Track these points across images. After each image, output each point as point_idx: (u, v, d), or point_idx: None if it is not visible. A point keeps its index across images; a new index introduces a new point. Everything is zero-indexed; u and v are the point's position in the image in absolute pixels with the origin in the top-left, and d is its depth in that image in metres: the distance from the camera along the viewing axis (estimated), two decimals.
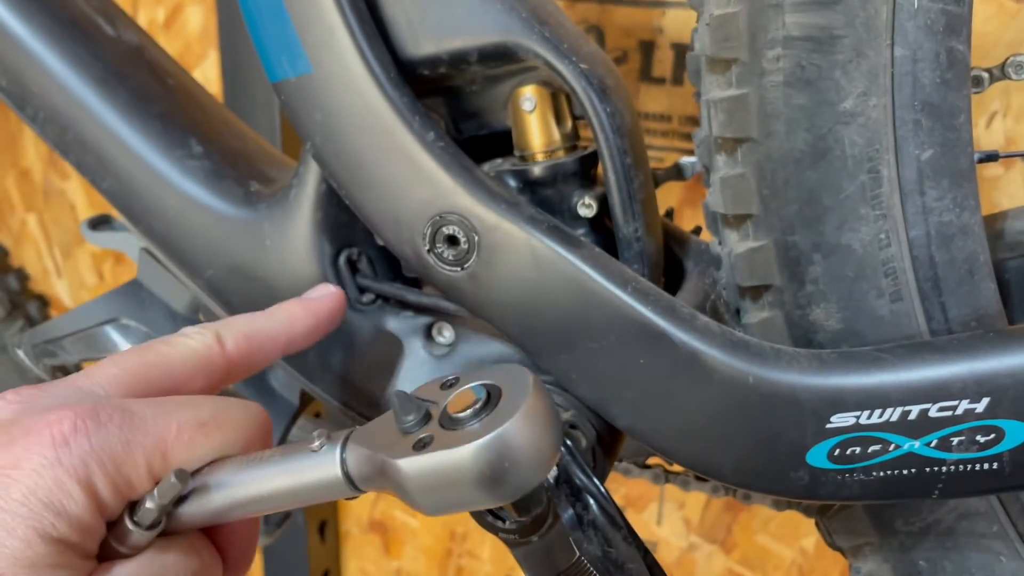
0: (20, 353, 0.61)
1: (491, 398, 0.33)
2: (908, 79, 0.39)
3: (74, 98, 0.52)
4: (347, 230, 0.51)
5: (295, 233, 0.51)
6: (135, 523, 0.34)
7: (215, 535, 0.39)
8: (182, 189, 0.52)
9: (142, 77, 0.55)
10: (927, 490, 0.40)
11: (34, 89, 0.53)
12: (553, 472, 0.44)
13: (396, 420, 0.34)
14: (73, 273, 1.26)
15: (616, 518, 0.44)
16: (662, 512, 1.03)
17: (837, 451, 0.40)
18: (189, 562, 0.36)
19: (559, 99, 0.48)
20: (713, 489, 0.68)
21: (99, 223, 0.64)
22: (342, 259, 0.51)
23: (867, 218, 0.41)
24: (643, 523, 1.03)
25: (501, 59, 0.45)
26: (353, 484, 0.35)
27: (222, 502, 0.36)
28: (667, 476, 0.65)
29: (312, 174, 0.50)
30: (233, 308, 0.53)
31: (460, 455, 0.32)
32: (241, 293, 0.53)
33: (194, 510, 0.36)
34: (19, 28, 0.52)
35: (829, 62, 0.40)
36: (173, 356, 0.39)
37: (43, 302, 0.95)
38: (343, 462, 0.35)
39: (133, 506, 0.35)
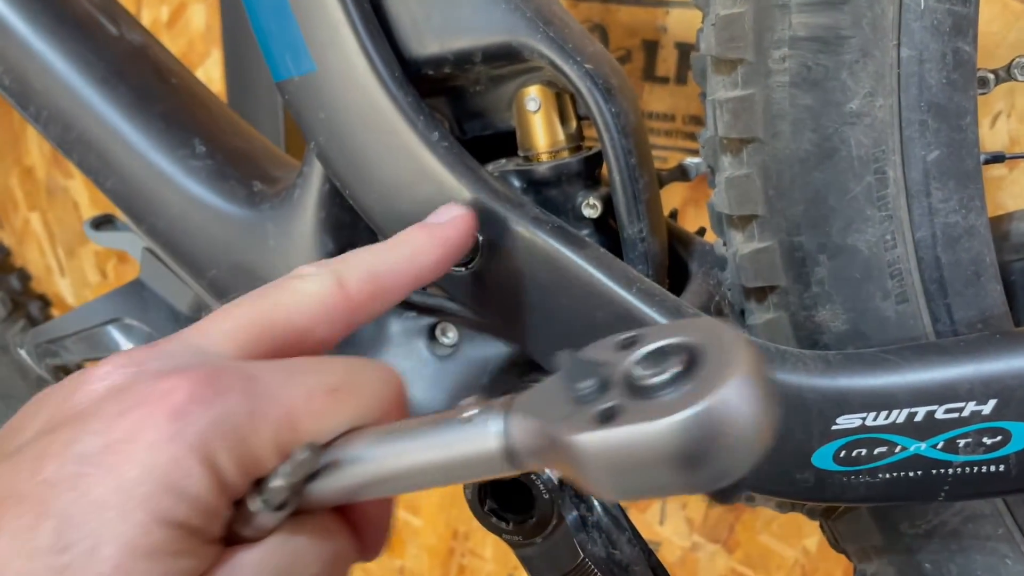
0: (22, 353, 0.61)
1: (692, 360, 0.27)
2: (914, 80, 0.39)
3: (77, 97, 0.52)
4: (350, 230, 0.51)
5: (298, 233, 0.51)
6: (263, 503, 0.30)
7: (347, 514, 0.34)
8: (185, 189, 0.52)
9: (145, 76, 0.55)
10: (933, 492, 0.40)
11: (37, 88, 0.53)
12: (556, 474, 0.44)
13: (567, 386, 0.28)
14: (76, 272, 1.26)
15: (620, 519, 0.44)
16: (664, 512, 1.03)
17: (843, 453, 0.40)
18: (323, 545, 0.32)
19: (564, 99, 0.48)
20: None
21: (102, 222, 0.64)
22: None
23: (873, 219, 0.41)
24: (646, 523, 1.03)
25: (506, 59, 0.45)
26: (514, 460, 0.30)
27: (359, 479, 0.31)
28: None
29: (316, 173, 0.49)
30: None
31: (659, 431, 0.25)
32: (244, 293, 0.52)
33: (327, 488, 0.31)
34: (22, 27, 0.52)
35: (835, 62, 0.39)
36: (290, 305, 0.35)
37: (45, 302, 0.96)
38: (506, 433, 0.29)
39: (259, 484, 0.31)
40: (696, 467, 0.25)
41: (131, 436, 0.28)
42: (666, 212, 0.52)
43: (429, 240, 0.39)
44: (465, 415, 0.30)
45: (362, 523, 0.35)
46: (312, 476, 0.31)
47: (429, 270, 0.39)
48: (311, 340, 0.35)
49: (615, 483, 0.27)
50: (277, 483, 0.30)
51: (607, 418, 0.26)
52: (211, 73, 1.07)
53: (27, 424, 0.32)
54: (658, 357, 0.27)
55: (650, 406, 0.26)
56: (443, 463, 0.30)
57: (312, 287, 0.35)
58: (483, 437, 0.30)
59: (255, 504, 0.30)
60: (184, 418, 0.29)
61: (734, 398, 0.25)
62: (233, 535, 0.31)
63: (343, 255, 0.38)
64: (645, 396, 0.27)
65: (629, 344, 0.29)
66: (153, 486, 0.28)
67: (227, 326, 0.33)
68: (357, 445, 0.31)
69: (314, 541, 0.32)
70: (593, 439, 0.26)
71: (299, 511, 0.32)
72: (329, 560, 0.32)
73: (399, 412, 0.34)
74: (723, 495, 0.34)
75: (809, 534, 0.96)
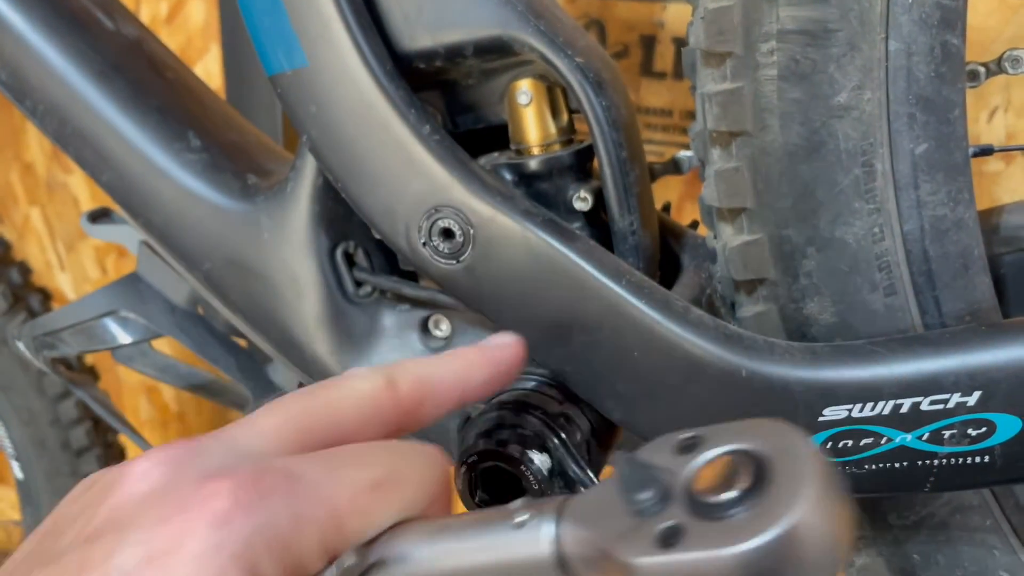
0: (20, 345, 0.61)
1: (759, 473, 0.24)
2: (903, 73, 0.39)
3: (73, 91, 0.52)
4: (344, 223, 0.51)
5: (292, 226, 0.51)
6: None
7: None
8: (180, 182, 0.53)
9: (141, 70, 0.55)
10: (919, 483, 0.41)
11: (33, 82, 0.53)
12: (547, 464, 0.44)
13: (624, 496, 0.26)
14: (76, 267, 1.26)
15: None
16: None
17: (829, 444, 0.40)
18: None
19: (555, 93, 0.48)
20: None
21: (99, 216, 0.64)
22: (339, 252, 0.51)
23: (861, 212, 0.41)
24: None
25: (497, 53, 0.45)
26: (565, 569, 0.28)
27: None
28: None
29: (309, 167, 0.50)
30: (230, 301, 0.54)
31: (726, 560, 0.23)
32: (238, 286, 0.53)
33: None
34: (18, 21, 0.52)
35: (823, 56, 0.40)
36: (342, 402, 0.34)
37: (45, 296, 0.96)
38: (558, 541, 0.28)
39: None
40: None
41: (173, 547, 0.27)
42: (659, 206, 0.52)
43: (481, 359, 0.39)
44: (517, 520, 0.29)
45: None
46: None
47: (477, 387, 0.38)
48: (360, 440, 0.34)
49: None
50: None
51: (669, 539, 0.24)
52: (210, 68, 1.07)
53: (67, 523, 0.31)
54: (722, 467, 0.25)
55: (716, 529, 0.24)
56: (492, 567, 0.29)
57: (364, 387, 0.35)
58: (535, 544, 0.28)
59: None
60: (227, 526, 0.27)
61: (810, 521, 0.23)
62: None
63: (397, 361, 0.37)
64: (710, 515, 0.24)
65: (690, 447, 0.27)
66: None
67: (274, 421, 0.33)
68: (404, 543, 0.30)
69: None
70: (653, 565, 0.24)
71: None
72: None
73: (445, 498, 0.33)
74: None
75: None
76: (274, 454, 0.32)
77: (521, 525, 0.29)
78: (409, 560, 0.30)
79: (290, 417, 0.33)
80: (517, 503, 0.30)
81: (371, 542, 0.30)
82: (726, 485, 0.24)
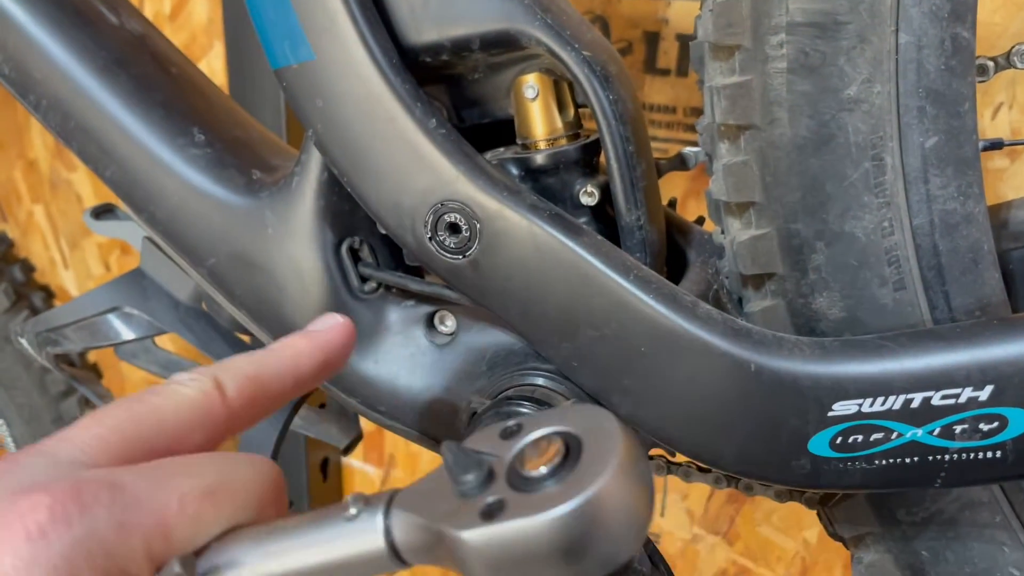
0: (23, 341, 0.61)
1: (571, 451, 0.27)
2: (913, 66, 0.39)
3: (77, 86, 0.52)
4: (349, 218, 0.51)
5: (297, 221, 0.51)
6: None
7: None
8: (184, 177, 0.52)
9: (145, 65, 0.55)
10: (930, 479, 0.40)
11: (37, 77, 0.53)
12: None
13: (452, 480, 0.28)
14: (80, 264, 1.26)
15: None
16: (665, 503, 1.03)
17: (839, 439, 0.40)
18: None
19: (561, 87, 0.47)
20: (716, 480, 0.68)
21: (102, 212, 0.64)
22: (344, 247, 0.51)
23: (870, 206, 0.41)
24: None
25: (503, 46, 0.45)
26: (400, 557, 0.29)
27: None
28: (669, 467, 0.65)
29: (314, 162, 0.49)
30: (235, 297, 0.53)
31: (540, 525, 0.26)
32: (243, 282, 0.53)
33: None
34: (22, 15, 0.52)
35: (833, 48, 0.39)
36: (165, 409, 0.33)
37: (48, 293, 0.96)
38: (387, 531, 0.29)
39: None
40: (580, 557, 0.26)
41: None
42: (665, 201, 0.52)
43: (309, 346, 0.39)
44: (349, 512, 0.30)
45: None
46: None
47: (311, 375, 0.38)
48: (186, 446, 0.34)
49: None
50: None
51: (491, 513, 0.27)
52: (213, 65, 1.07)
53: None
54: (540, 447, 0.28)
55: (532, 500, 0.26)
56: (327, 563, 0.30)
57: (189, 392, 0.34)
58: (367, 535, 0.29)
59: None
60: (44, 539, 0.27)
61: (611, 488, 0.26)
62: None
63: (223, 361, 0.37)
64: (528, 489, 0.27)
65: (512, 433, 0.29)
66: None
67: (96, 431, 0.32)
68: (236, 548, 0.30)
69: None
70: (477, 536, 0.27)
71: None
72: None
73: (278, 506, 0.33)
74: None
75: (809, 526, 0.96)
76: (97, 465, 0.31)
77: (352, 518, 0.29)
78: (241, 564, 0.30)
79: (113, 427, 0.32)
80: (348, 498, 0.30)
81: (201, 551, 0.30)
82: (542, 461, 0.27)
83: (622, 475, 0.26)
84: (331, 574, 0.30)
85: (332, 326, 0.40)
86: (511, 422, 0.30)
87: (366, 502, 0.30)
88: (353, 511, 0.30)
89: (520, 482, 0.27)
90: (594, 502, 0.26)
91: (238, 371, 0.36)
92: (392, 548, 0.29)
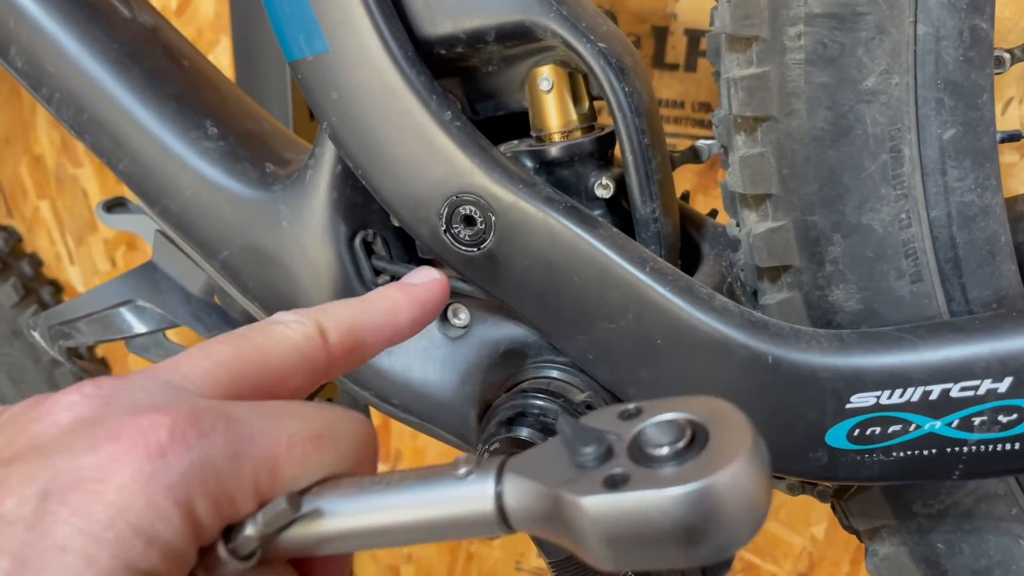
0: (35, 335, 0.61)
1: (696, 437, 0.27)
2: (931, 57, 0.39)
3: (89, 79, 0.52)
4: (363, 211, 0.51)
5: (311, 214, 0.51)
6: (231, 552, 0.29)
7: (303, 566, 0.33)
8: (197, 170, 0.52)
9: (157, 58, 0.55)
10: (947, 471, 0.40)
11: (50, 70, 0.53)
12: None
13: (569, 452, 0.28)
14: (86, 260, 1.26)
15: None
16: None
17: (857, 431, 0.40)
18: None
19: (576, 79, 0.47)
20: None
21: (114, 205, 0.64)
22: (358, 240, 0.51)
23: (888, 198, 0.41)
24: None
25: (518, 38, 0.45)
26: (507, 522, 0.29)
27: (333, 531, 0.30)
28: None
29: (328, 154, 0.49)
30: (248, 290, 0.53)
31: (667, 499, 0.25)
32: (256, 275, 0.53)
33: (296, 538, 0.30)
34: (35, 9, 0.52)
35: (851, 39, 0.39)
36: (271, 349, 0.33)
37: (56, 287, 0.96)
38: (498, 494, 0.29)
39: (229, 531, 0.29)
40: (698, 540, 0.26)
41: (102, 474, 0.26)
42: (678, 194, 0.52)
43: (406, 299, 0.39)
44: (459, 471, 0.29)
45: None
46: (286, 526, 0.30)
47: (405, 328, 0.38)
48: (287, 387, 0.34)
49: (614, 549, 0.27)
50: (249, 532, 0.29)
51: (614, 484, 0.27)
52: (220, 60, 1.06)
53: None
54: (665, 429, 0.27)
55: (658, 476, 0.26)
56: (432, 520, 0.29)
57: (294, 335, 0.34)
58: (477, 496, 0.29)
59: (223, 552, 0.29)
60: (163, 458, 0.27)
61: (740, 477, 0.26)
62: None
63: (323, 305, 0.37)
64: (651, 465, 0.27)
65: (632, 415, 0.29)
66: (124, 530, 0.26)
67: (205, 364, 0.32)
68: (336, 495, 0.30)
69: None
70: (599, 503, 0.26)
71: (262, 560, 0.30)
72: None
73: (371, 464, 0.33)
74: (713, 572, 0.35)
75: (816, 521, 0.96)
76: (206, 396, 0.31)
77: (462, 477, 0.29)
78: (339, 512, 0.30)
79: (221, 362, 0.32)
80: (460, 459, 0.30)
81: (303, 492, 0.30)
82: (668, 442, 0.27)
83: (751, 465, 0.26)
84: (434, 530, 0.30)
85: (428, 280, 0.40)
86: (630, 405, 0.30)
87: (477, 463, 0.30)
88: (463, 470, 0.29)
89: (644, 459, 0.27)
90: (724, 486, 0.25)
91: (339, 318, 0.36)
92: (501, 511, 0.29)
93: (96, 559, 0.25)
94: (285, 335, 0.34)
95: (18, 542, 0.25)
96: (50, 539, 0.25)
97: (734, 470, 0.25)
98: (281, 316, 0.35)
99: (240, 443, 0.29)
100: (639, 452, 0.27)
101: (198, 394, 0.31)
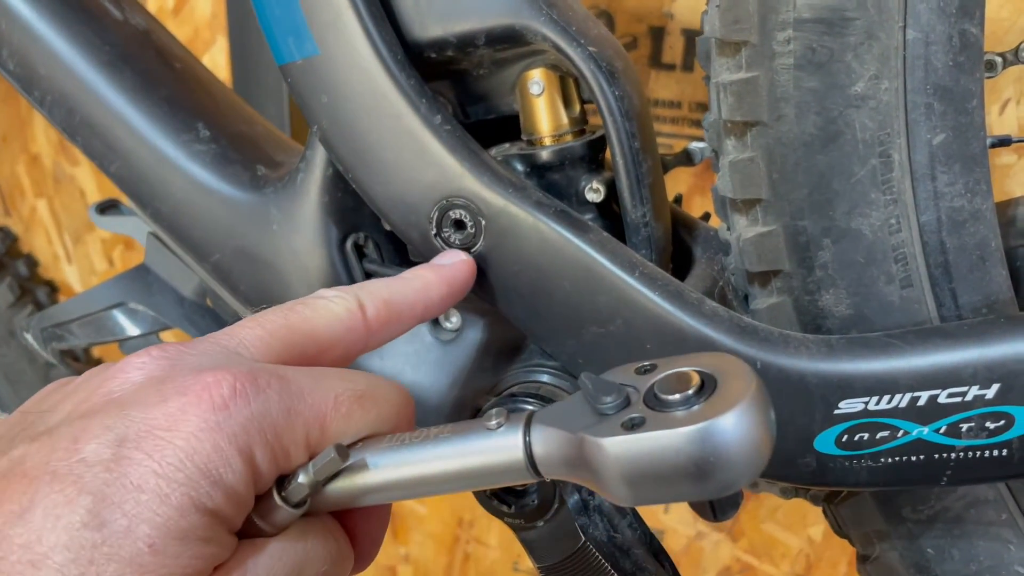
0: (28, 337, 0.61)
1: (705, 384, 0.30)
2: (920, 62, 0.39)
3: (81, 81, 0.52)
4: (354, 214, 0.51)
5: (302, 217, 0.51)
6: (283, 499, 0.32)
7: (346, 520, 0.36)
8: (189, 173, 0.52)
9: (149, 61, 0.55)
10: (936, 477, 0.40)
11: (41, 72, 0.53)
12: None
13: (591, 401, 0.31)
14: (83, 259, 1.26)
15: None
16: None
17: (845, 437, 0.40)
18: (329, 547, 0.34)
19: (567, 83, 0.47)
20: None
21: (107, 207, 0.64)
22: (349, 243, 0.51)
23: (877, 203, 0.41)
24: (650, 511, 1.03)
25: (509, 42, 0.45)
26: (535, 468, 0.32)
27: (376, 482, 0.33)
28: None
29: (319, 158, 0.49)
30: (239, 292, 0.53)
31: (679, 436, 0.28)
32: (247, 277, 0.53)
33: (342, 489, 0.33)
34: (27, 11, 0.52)
35: (840, 44, 0.39)
36: (316, 321, 0.37)
37: (52, 288, 0.96)
38: (527, 443, 0.32)
39: (282, 481, 0.32)
40: (707, 475, 0.28)
41: (172, 423, 0.30)
42: (671, 198, 0.52)
43: (437, 278, 0.42)
44: (491, 423, 0.32)
45: (358, 533, 0.36)
46: (334, 476, 0.33)
47: (435, 305, 0.42)
48: (330, 356, 0.37)
49: (632, 486, 0.29)
50: (300, 480, 0.32)
51: (632, 426, 0.29)
52: (216, 60, 1.06)
53: (55, 407, 0.32)
54: (677, 378, 0.31)
55: (671, 418, 0.29)
56: (467, 469, 0.32)
57: (337, 308, 0.38)
58: (507, 445, 0.32)
59: (277, 499, 0.32)
60: (226, 409, 0.30)
61: (745, 417, 0.28)
62: (250, 528, 0.32)
63: (363, 284, 0.40)
64: (666, 409, 0.30)
65: (648, 370, 0.32)
66: (193, 472, 0.29)
67: (258, 332, 0.35)
68: (379, 449, 0.33)
69: (320, 542, 0.33)
70: (618, 443, 0.29)
71: (308, 512, 0.33)
72: (334, 561, 0.34)
73: (408, 425, 0.36)
74: (722, 508, 0.37)
75: (814, 523, 0.96)
76: (259, 360, 0.34)
77: (494, 428, 0.32)
78: (381, 465, 0.33)
79: (272, 331, 0.36)
80: (491, 412, 0.33)
81: (349, 446, 0.33)
82: (680, 388, 0.30)
83: (755, 407, 0.29)
84: (468, 479, 0.33)
85: (457, 262, 0.44)
86: (646, 362, 0.33)
87: (506, 416, 0.33)
88: (494, 423, 0.32)
89: (658, 404, 0.30)
90: (729, 425, 0.28)
91: (377, 295, 0.39)
92: (530, 458, 0.32)
93: (169, 497, 0.28)
94: (329, 308, 0.38)
95: (99, 481, 0.28)
96: (127, 479, 0.28)
97: (738, 411, 0.28)
98: (325, 292, 0.39)
99: (293, 400, 0.32)
100: (654, 399, 0.30)
101: (252, 358, 0.34)
